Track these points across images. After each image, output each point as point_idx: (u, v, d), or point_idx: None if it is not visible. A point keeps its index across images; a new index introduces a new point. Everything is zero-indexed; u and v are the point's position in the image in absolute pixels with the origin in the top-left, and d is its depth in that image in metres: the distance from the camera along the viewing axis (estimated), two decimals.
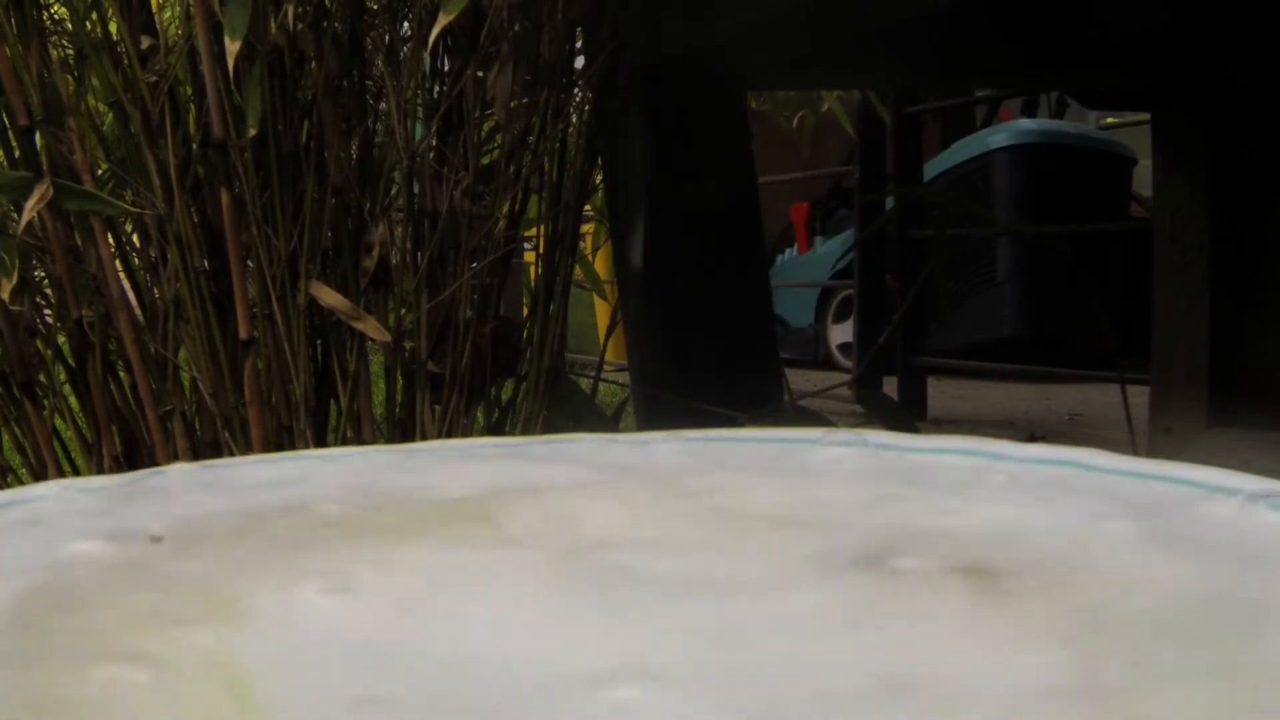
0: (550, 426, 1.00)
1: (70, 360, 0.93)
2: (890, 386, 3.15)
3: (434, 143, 0.97)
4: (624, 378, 1.50)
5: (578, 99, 1.03)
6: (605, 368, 1.24)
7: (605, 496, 0.39)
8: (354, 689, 0.24)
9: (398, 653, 0.26)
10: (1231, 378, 1.49)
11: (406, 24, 0.96)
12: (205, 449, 0.92)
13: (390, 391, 0.97)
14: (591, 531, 0.35)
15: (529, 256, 1.16)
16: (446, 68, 0.99)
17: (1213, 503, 0.34)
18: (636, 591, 0.30)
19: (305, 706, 0.24)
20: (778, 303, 3.89)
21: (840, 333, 4.49)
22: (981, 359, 3.38)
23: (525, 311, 1.07)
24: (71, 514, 0.36)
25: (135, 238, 0.96)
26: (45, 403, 0.93)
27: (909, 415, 1.27)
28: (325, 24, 0.91)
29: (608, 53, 1.01)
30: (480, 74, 0.95)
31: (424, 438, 0.94)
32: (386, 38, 0.96)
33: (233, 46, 0.82)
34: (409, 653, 0.26)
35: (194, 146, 0.90)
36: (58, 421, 0.95)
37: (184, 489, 0.40)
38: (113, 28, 0.89)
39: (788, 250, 4.98)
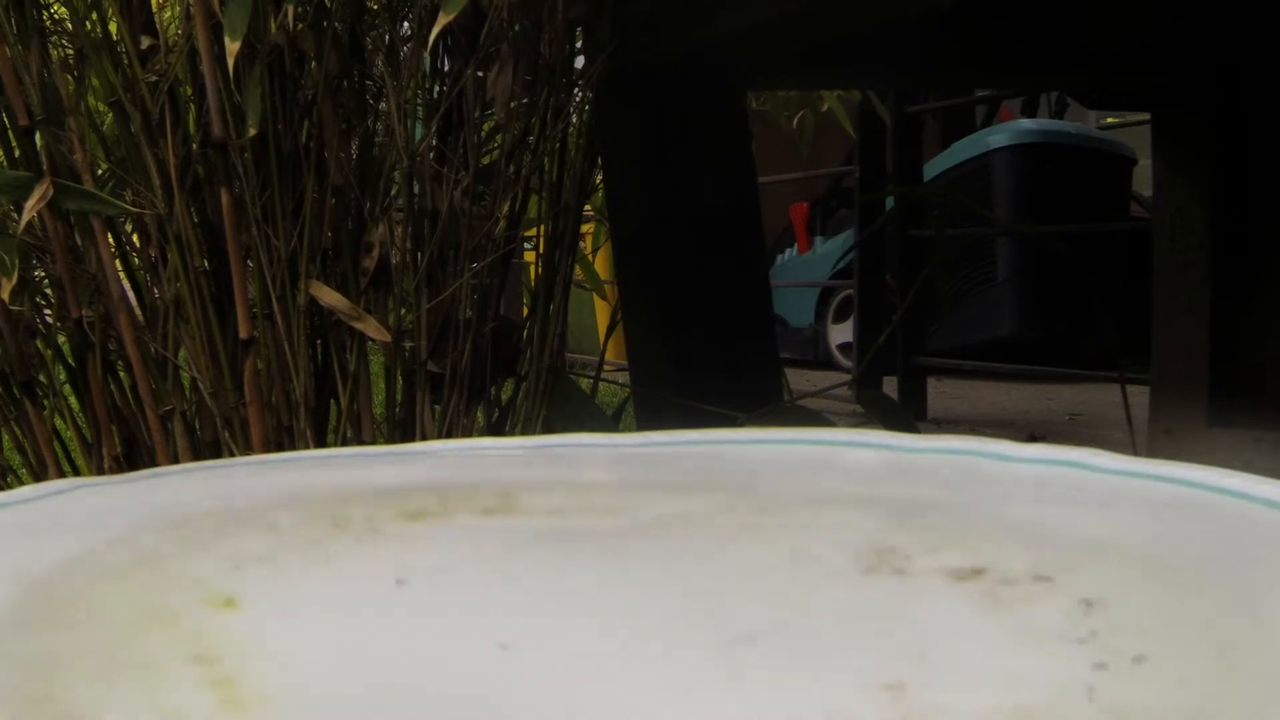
0: (550, 426, 1.00)
1: (70, 360, 0.93)
2: (890, 386, 3.15)
3: (434, 143, 0.97)
4: (624, 378, 1.51)
5: (578, 99, 1.03)
6: (605, 368, 1.24)
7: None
8: (352, 689, 0.24)
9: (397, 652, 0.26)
10: (1231, 378, 1.49)
11: (406, 24, 0.96)
12: (205, 449, 0.92)
13: (390, 391, 0.97)
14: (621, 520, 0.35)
15: (529, 256, 1.16)
16: (446, 68, 0.99)
17: (1214, 501, 0.34)
18: (644, 590, 0.30)
19: (297, 706, 0.24)
20: (778, 303, 3.89)
21: (840, 333, 4.50)
22: (981, 359, 3.38)
23: (525, 311, 1.07)
24: (65, 514, 0.36)
25: (135, 238, 0.96)
26: (45, 403, 0.93)
27: (909, 415, 1.27)
28: (325, 24, 0.91)
29: (607, 53, 1.01)
30: (480, 74, 0.95)
31: (424, 438, 0.94)
32: (386, 38, 0.96)
33: (233, 46, 0.82)
34: (406, 651, 0.26)
35: (194, 146, 0.90)
36: (58, 421, 0.95)
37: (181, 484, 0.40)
38: (113, 28, 0.89)
39: (788, 250, 4.98)
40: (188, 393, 0.93)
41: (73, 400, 0.94)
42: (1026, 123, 3.98)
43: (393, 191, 0.94)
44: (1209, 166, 1.51)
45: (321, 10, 0.92)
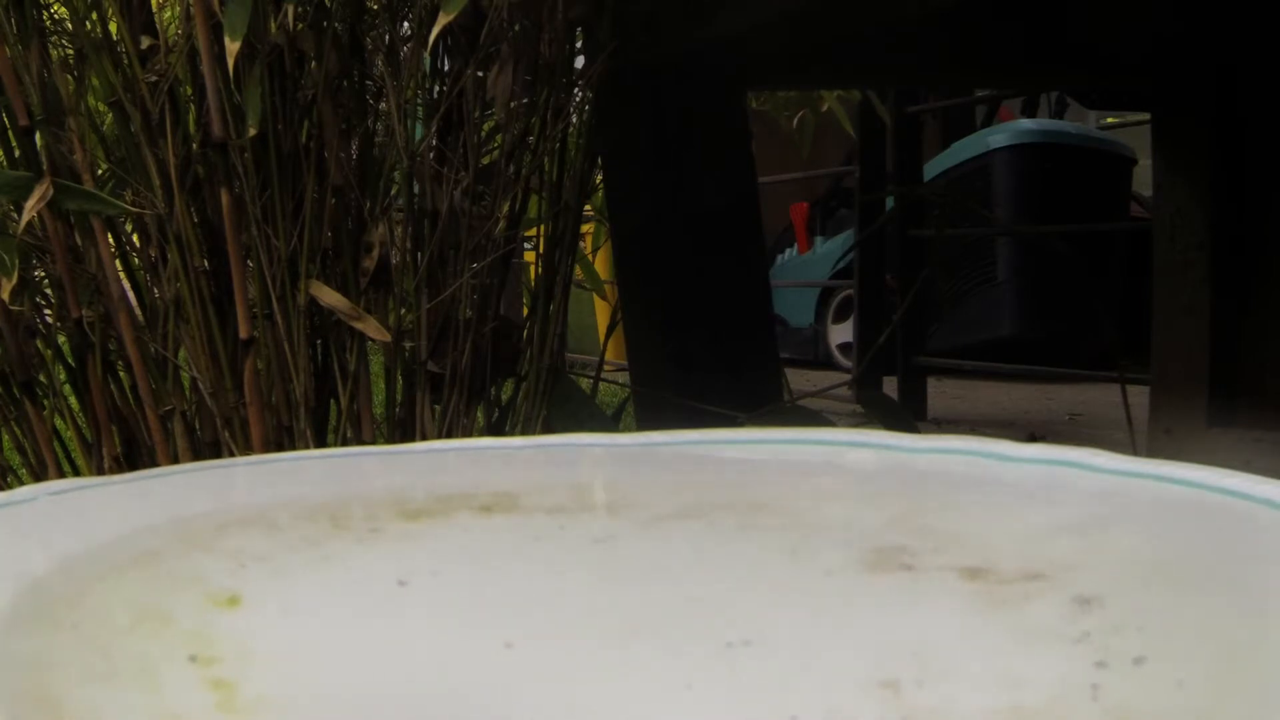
0: (550, 426, 1.00)
1: (70, 360, 0.93)
2: (890, 386, 3.15)
3: (434, 143, 0.97)
4: (624, 378, 1.51)
5: (578, 99, 1.03)
6: (605, 368, 1.24)
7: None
8: (348, 687, 0.24)
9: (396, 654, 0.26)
10: (1231, 378, 1.49)
11: (406, 24, 0.96)
12: (205, 449, 0.92)
13: (390, 391, 0.97)
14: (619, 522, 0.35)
15: (529, 256, 1.16)
16: (446, 68, 0.99)
17: (1214, 501, 0.34)
18: (644, 589, 0.30)
19: (296, 707, 0.24)
20: (778, 303, 3.89)
21: (840, 333, 4.50)
22: (981, 359, 3.38)
23: (525, 311, 1.07)
24: (65, 514, 0.36)
25: (135, 238, 0.96)
26: (45, 403, 0.93)
27: (909, 415, 1.27)
28: (325, 24, 0.91)
29: (607, 53, 1.01)
30: (480, 74, 0.95)
31: (424, 438, 0.94)
32: (386, 38, 0.96)
33: (233, 46, 0.82)
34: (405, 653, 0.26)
35: (194, 146, 0.90)
36: (58, 421, 0.95)
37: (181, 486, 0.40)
38: (113, 28, 0.89)
39: (788, 250, 4.98)
40: (188, 393, 0.93)
41: (73, 400, 0.94)
42: (1026, 123, 3.98)
43: (393, 191, 0.94)
44: (1209, 166, 1.50)
45: (321, 10, 0.92)
